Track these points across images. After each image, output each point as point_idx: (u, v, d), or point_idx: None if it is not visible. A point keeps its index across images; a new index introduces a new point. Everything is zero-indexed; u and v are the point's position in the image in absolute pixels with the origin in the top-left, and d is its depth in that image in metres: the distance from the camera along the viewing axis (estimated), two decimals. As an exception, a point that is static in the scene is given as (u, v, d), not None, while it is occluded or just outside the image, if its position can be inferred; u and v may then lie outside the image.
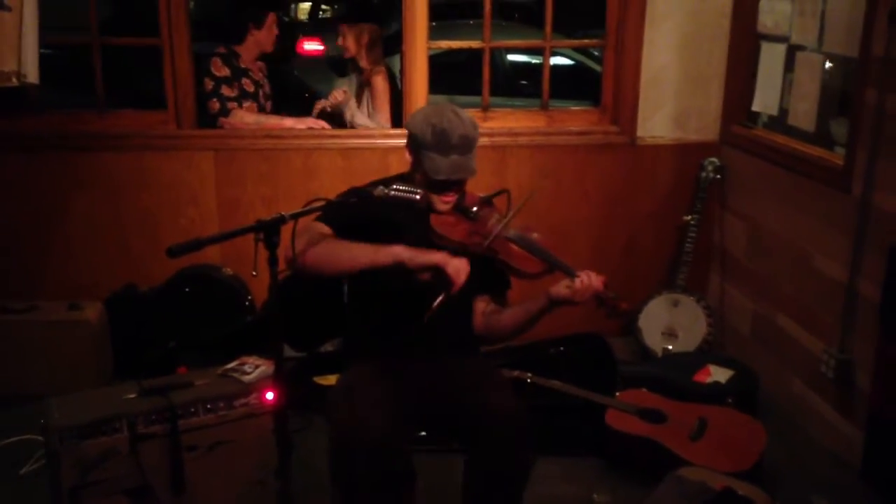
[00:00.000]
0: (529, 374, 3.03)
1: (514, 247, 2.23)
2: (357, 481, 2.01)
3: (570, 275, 2.16)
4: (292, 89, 6.64)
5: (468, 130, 2.21)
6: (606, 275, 2.20)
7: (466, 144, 2.20)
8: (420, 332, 2.25)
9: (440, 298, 2.07)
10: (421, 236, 2.20)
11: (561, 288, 2.18)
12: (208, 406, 2.37)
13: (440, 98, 5.25)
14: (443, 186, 2.23)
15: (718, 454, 2.76)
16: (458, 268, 2.05)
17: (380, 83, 4.18)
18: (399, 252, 2.07)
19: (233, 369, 2.50)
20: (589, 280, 2.13)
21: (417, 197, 2.15)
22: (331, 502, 2.28)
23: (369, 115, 4.17)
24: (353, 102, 4.14)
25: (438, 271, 2.06)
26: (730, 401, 3.11)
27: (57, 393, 2.38)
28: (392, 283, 2.17)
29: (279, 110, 4.40)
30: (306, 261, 2.10)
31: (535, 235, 2.29)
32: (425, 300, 2.09)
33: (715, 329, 3.78)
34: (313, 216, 2.20)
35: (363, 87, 4.27)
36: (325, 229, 2.20)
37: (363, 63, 4.25)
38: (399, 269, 2.08)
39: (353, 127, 4.08)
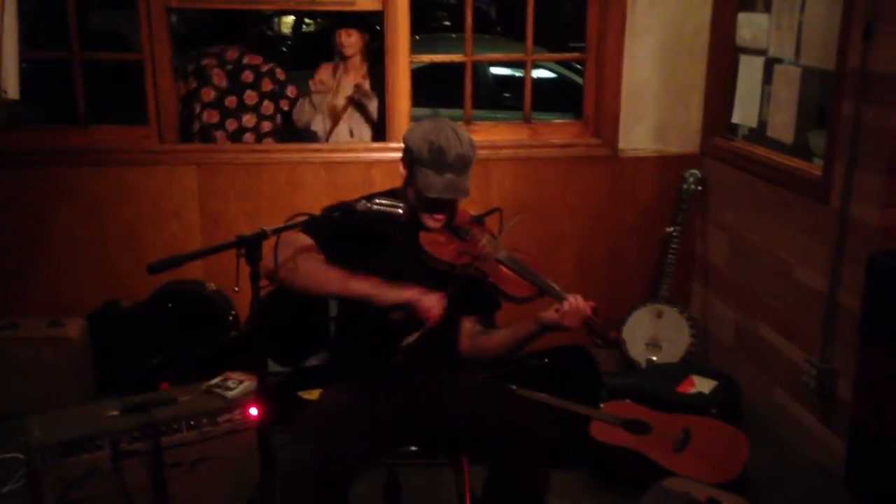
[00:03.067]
0: (514, 387, 3.03)
1: (504, 269, 2.21)
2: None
3: (560, 300, 2.15)
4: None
5: (465, 150, 2.17)
6: (591, 292, 2.21)
7: (462, 164, 2.17)
8: (404, 353, 2.25)
9: (416, 334, 2.04)
10: (409, 254, 2.19)
11: (551, 314, 2.16)
12: (191, 422, 2.36)
13: (424, 112, 5.27)
14: (435, 206, 2.20)
15: (702, 465, 2.77)
16: (430, 306, 2.03)
17: (358, 63, 4.09)
18: (367, 289, 2.06)
19: (216, 385, 2.50)
20: (577, 303, 2.12)
21: (400, 211, 2.15)
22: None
23: (351, 131, 4.14)
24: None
25: (410, 309, 2.04)
26: (713, 411, 3.12)
27: (38, 411, 2.37)
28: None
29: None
30: (281, 275, 2.09)
31: (525, 257, 2.27)
32: (409, 324, 2.08)
33: (698, 340, 3.80)
34: (301, 228, 2.19)
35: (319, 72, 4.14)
36: (308, 241, 2.17)
37: (353, 62, 4.09)
38: (368, 306, 2.06)
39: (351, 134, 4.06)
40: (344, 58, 4.09)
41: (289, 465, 2.00)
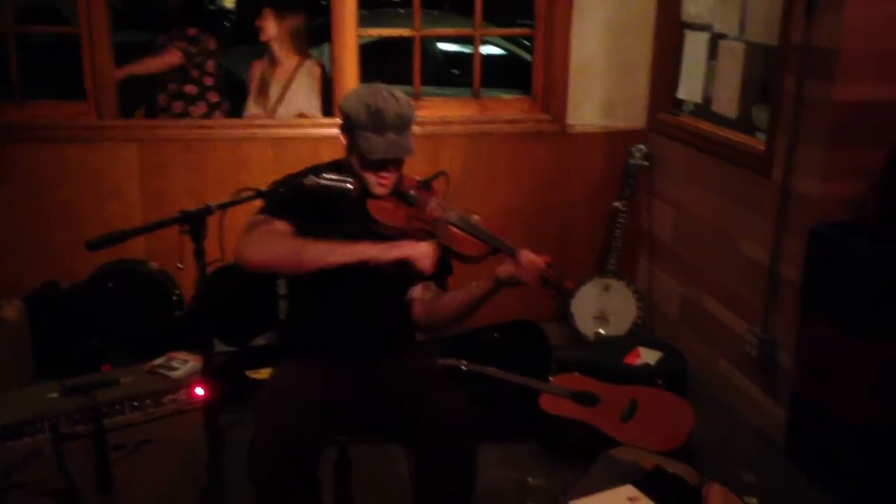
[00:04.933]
0: (464, 362, 3.03)
1: (456, 230, 2.21)
2: (262, 485, 1.98)
3: (513, 255, 2.16)
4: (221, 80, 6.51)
5: (404, 109, 2.18)
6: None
7: (402, 123, 2.17)
8: (357, 326, 2.24)
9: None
10: (358, 223, 2.17)
11: (506, 269, 2.17)
12: (135, 404, 2.32)
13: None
14: (379, 166, 2.19)
15: (649, 434, 2.81)
16: (424, 255, 2.06)
17: (316, 72, 4.11)
18: (365, 251, 2.06)
19: (160, 366, 2.45)
20: (534, 260, 2.14)
21: (350, 186, 2.13)
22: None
23: (276, 105, 4.06)
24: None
25: (405, 263, 2.06)
26: (659, 382, 3.17)
27: (-26, 395, 2.30)
28: (332, 280, 2.12)
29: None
30: (264, 262, 2.08)
31: (476, 217, 2.26)
32: (363, 298, 2.07)
33: (644, 312, 3.85)
34: (261, 210, 2.17)
35: (268, 75, 4.11)
36: (282, 226, 2.14)
37: (280, 51, 4.07)
38: (362, 268, 2.06)
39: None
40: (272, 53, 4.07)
41: (254, 444, 1.98)
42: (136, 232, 1.80)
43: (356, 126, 2.17)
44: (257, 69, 4.14)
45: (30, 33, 4.12)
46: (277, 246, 2.09)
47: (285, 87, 4.05)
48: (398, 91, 2.23)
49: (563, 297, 2.25)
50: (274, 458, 1.96)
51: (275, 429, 1.99)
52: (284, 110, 4.03)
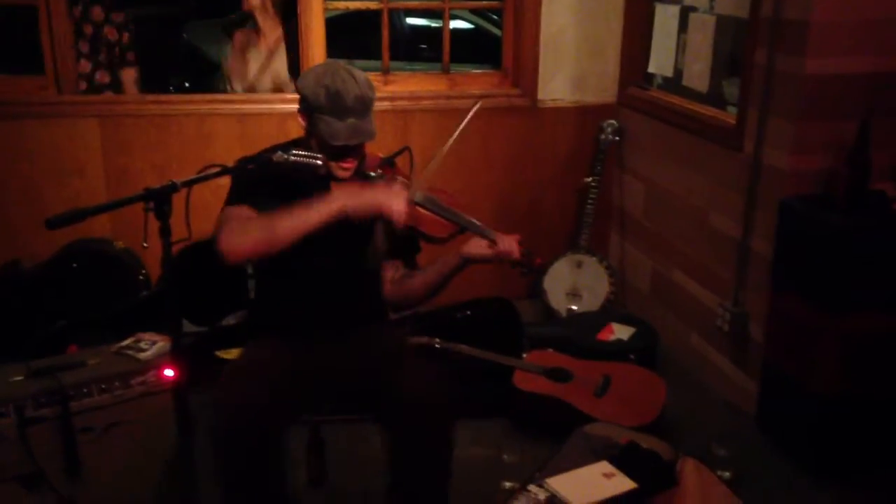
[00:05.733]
0: (437, 340, 3.01)
1: (422, 211, 2.17)
2: (222, 463, 1.95)
3: (483, 235, 2.13)
4: (182, 54, 6.37)
5: (364, 91, 2.11)
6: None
7: (363, 106, 2.10)
8: (328, 304, 2.20)
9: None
10: None
11: (475, 247, 2.15)
12: (102, 386, 2.26)
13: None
14: (341, 152, 2.13)
15: (622, 409, 2.82)
16: (397, 203, 1.98)
17: (270, 30, 4.02)
18: (340, 200, 1.98)
19: (128, 347, 2.40)
20: (503, 239, 2.12)
21: (319, 162, 2.08)
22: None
23: (259, 75, 4.01)
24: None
25: (379, 214, 2.00)
26: (632, 357, 3.19)
27: (-67, 379, 2.22)
28: (300, 256, 2.07)
29: (166, 77, 4.20)
30: (247, 251, 2.01)
31: (442, 196, 2.22)
32: (332, 274, 2.02)
33: (617, 288, 3.86)
34: (216, 194, 2.12)
35: (249, 42, 4.05)
36: (248, 212, 2.07)
37: (263, 21, 4.01)
38: (339, 223, 1.99)
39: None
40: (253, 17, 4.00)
41: (216, 422, 1.95)
42: (99, 210, 1.74)
43: (315, 109, 2.10)
44: (239, 40, 4.04)
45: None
46: (253, 232, 2.02)
47: (268, 58, 3.98)
48: (357, 70, 2.15)
49: (534, 274, 2.22)
50: (233, 433, 1.93)
51: (232, 405, 1.96)
52: (266, 81, 3.96)
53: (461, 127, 2.27)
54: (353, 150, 2.15)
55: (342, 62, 2.20)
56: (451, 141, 2.26)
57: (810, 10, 2.63)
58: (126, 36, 3.80)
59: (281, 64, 4.02)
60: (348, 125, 2.08)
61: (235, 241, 2.00)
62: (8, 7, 4.55)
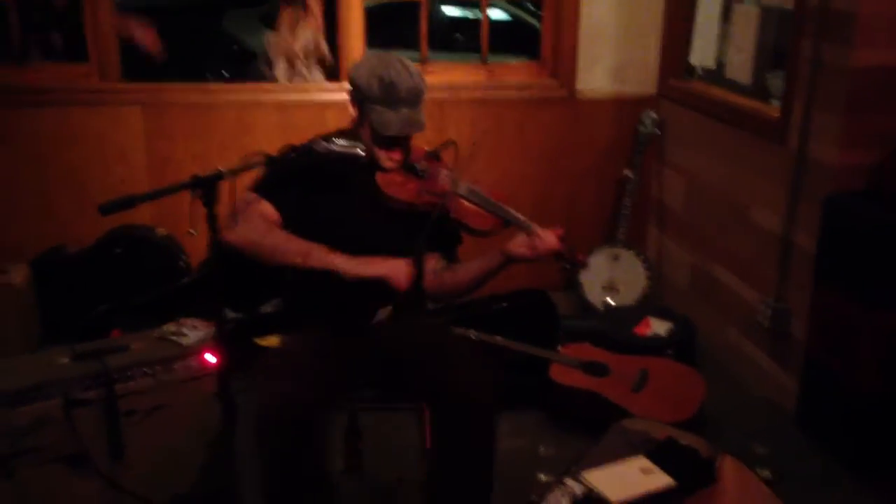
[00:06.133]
0: (473, 331, 3.02)
1: (466, 203, 2.17)
2: (266, 451, 1.97)
3: (526, 230, 2.12)
4: (221, 43, 6.42)
5: (417, 82, 2.12)
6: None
7: (415, 97, 2.11)
8: (365, 294, 2.21)
9: (388, 309, 2.04)
10: (368, 196, 2.13)
11: (518, 246, 2.13)
12: (145, 370, 2.29)
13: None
14: (391, 142, 2.14)
15: (660, 405, 2.80)
16: (399, 275, 2.00)
17: (316, 8, 4.20)
18: (337, 263, 2.01)
19: (171, 332, 2.43)
20: (546, 235, 2.10)
21: (361, 152, 2.09)
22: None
23: (311, 52, 4.17)
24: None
25: (380, 283, 2.01)
26: (669, 352, 3.16)
27: (-19, 359, 2.28)
28: (338, 247, 2.08)
29: (206, 65, 4.30)
30: (240, 247, 2.05)
31: (486, 189, 2.22)
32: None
33: (654, 282, 3.83)
34: (254, 186, 2.13)
35: (297, 19, 4.23)
36: (268, 209, 2.10)
37: (311, 19, 4.23)
38: (369, 235, 2.03)
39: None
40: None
41: (259, 409, 1.97)
42: (148, 197, 1.76)
43: (367, 98, 2.11)
44: (287, 16, 4.18)
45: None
46: (252, 236, 2.07)
47: (315, 35, 4.17)
48: (409, 62, 2.16)
49: (576, 270, 2.21)
50: (277, 423, 1.95)
51: (278, 394, 1.98)
52: (313, 58, 4.15)
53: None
54: (402, 141, 2.16)
55: (394, 54, 2.20)
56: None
57: (858, 1, 2.58)
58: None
59: (323, 42, 4.18)
60: (401, 115, 2.09)
61: (236, 235, 2.05)
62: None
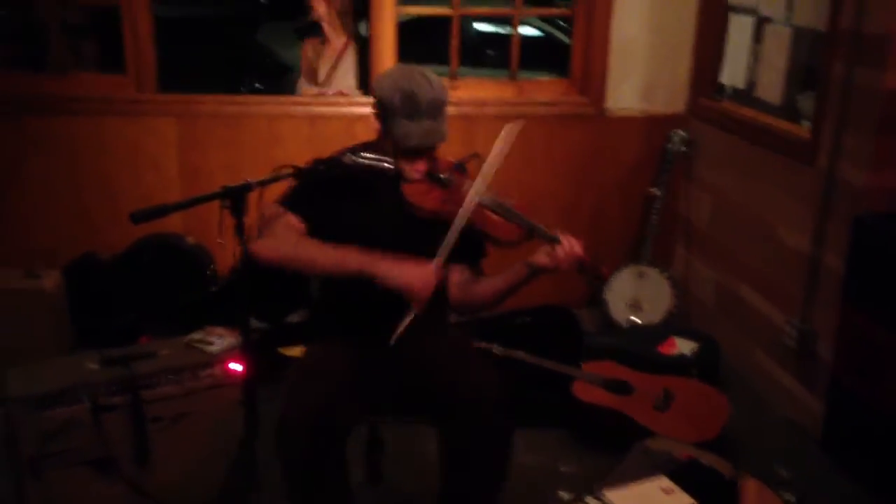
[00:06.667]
0: (495, 345, 3.02)
1: (491, 214, 2.18)
2: (289, 461, 1.99)
3: (551, 241, 2.12)
4: (255, 55, 6.52)
5: (438, 94, 2.14)
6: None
7: (437, 109, 2.13)
8: (389, 306, 2.22)
9: (407, 320, 2.04)
10: (394, 206, 2.15)
11: (541, 256, 2.14)
12: (172, 377, 2.33)
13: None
14: (414, 153, 2.16)
15: (683, 425, 2.79)
16: (422, 288, 2.01)
17: (351, 52, 4.27)
18: (367, 266, 2.03)
19: (198, 340, 2.46)
20: (570, 246, 2.10)
21: (389, 165, 2.11)
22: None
23: (324, 83, 4.24)
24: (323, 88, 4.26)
25: (402, 293, 2.03)
26: (694, 372, 3.14)
27: (12, 364, 2.32)
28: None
29: (241, 77, 4.41)
30: (269, 258, 2.08)
31: (511, 200, 2.23)
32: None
33: (679, 301, 3.81)
34: (281, 199, 2.16)
35: (319, 53, 4.33)
36: (294, 221, 2.14)
37: (329, 31, 4.26)
38: (402, 229, 2.03)
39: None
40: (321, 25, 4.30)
41: (282, 420, 1.99)
42: (180, 206, 1.81)
43: (390, 111, 2.13)
44: (309, 47, 4.30)
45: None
46: (283, 248, 2.10)
47: (333, 67, 4.21)
48: (432, 73, 2.18)
49: (599, 283, 2.21)
50: (301, 434, 1.97)
51: (303, 405, 2.00)
52: (333, 88, 4.18)
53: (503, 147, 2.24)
54: (426, 152, 2.18)
55: (417, 66, 2.22)
56: (504, 147, 2.24)
57: (892, 23, 2.57)
58: None
59: (346, 72, 4.21)
60: (422, 127, 2.11)
61: (266, 248, 2.08)
62: (92, 7, 4.73)
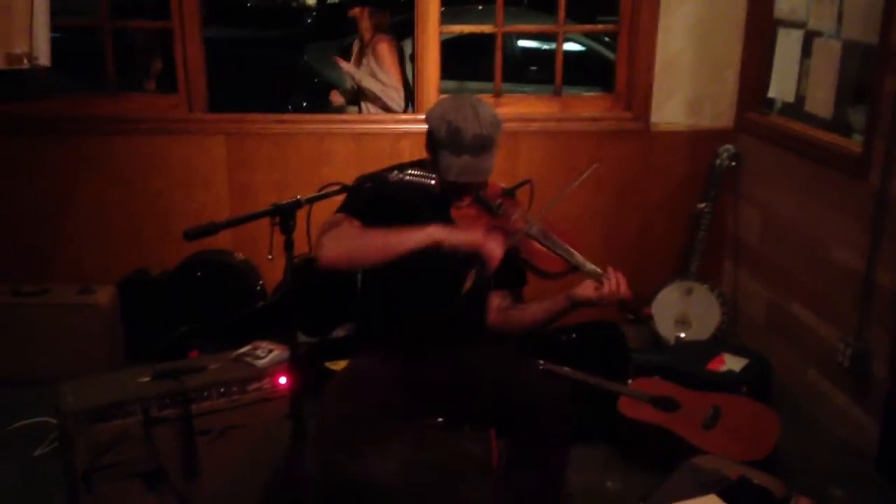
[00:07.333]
0: (541, 361, 3.01)
1: (537, 245, 2.18)
2: (326, 472, 2.01)
3: (596, 277, 2.12)
4: (302, 75, 6.62)
5: (484, 129, 2.09)
6: (620, 268, 2.16)
7: (480, 145, 2.09)
8: (433, 326, 2.23)
9: (472, 278, 2.01)
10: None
11: (586, 290, 2.13)
12: (221, 390, 2.36)
13: (450, 85, 5.22)
14: (456, 189, 2.15)
15: (732, 443, 2.74)
16: (494, 248, 1.97)
17: (384, 49, 4.46)
18: (434, 231, 1.99)
19: (246, 354, 2.50)
20: (617, 285, 2.09)
21: (432, 182, 2.12)
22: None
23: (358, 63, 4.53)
24: (352, 68, 4.51)
25: (474, 254, 1.99)
26: (744, 389, 3.08)
27: (67, 377, 2.38)
28: (410, 271, 2.11)
29: (289, 97, 4.59)
30: (338, 258, 2.06)
31: (557, 232, 2.22)
32: (443, 290, 2.06)
33: (728, 317, 3.75)
34: (333, 210, 2.18)
35: (363, 52, 4.56)
36: (355, 223, 2.14)
37: (366, 31, 4.53)
38: (432, 252, 2.00)
39: (360, 90, 4.45)
40: (362, 38, 4.53)
41: (319, 432, 2.01)
42: (231, 224, 1.84)
43: (436, 142, 2.13)
44: (351, 65, 4.57)
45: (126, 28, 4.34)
46: (347, 243, 2.08)
47: (376, 84, 4.46)
48: (485, 106, 2.14)
49: (640, 322, 2.20)
50: (337, 444, 1.99)
51: (338, 416, 2.02)
52: (377, 106, 4.41)
53: (580, 180, 2.25)
54: (468, 187, 2.16)
55: (471, 97, 2.20)
56: (573, 184, 2.25)
57: (946, 35, 2.52)
58: None
59: (376, 72, 4.45)
60: (462, 162, 2.09)
61: (330, 248, 2.06)
62: (146, 30, 4.87)
